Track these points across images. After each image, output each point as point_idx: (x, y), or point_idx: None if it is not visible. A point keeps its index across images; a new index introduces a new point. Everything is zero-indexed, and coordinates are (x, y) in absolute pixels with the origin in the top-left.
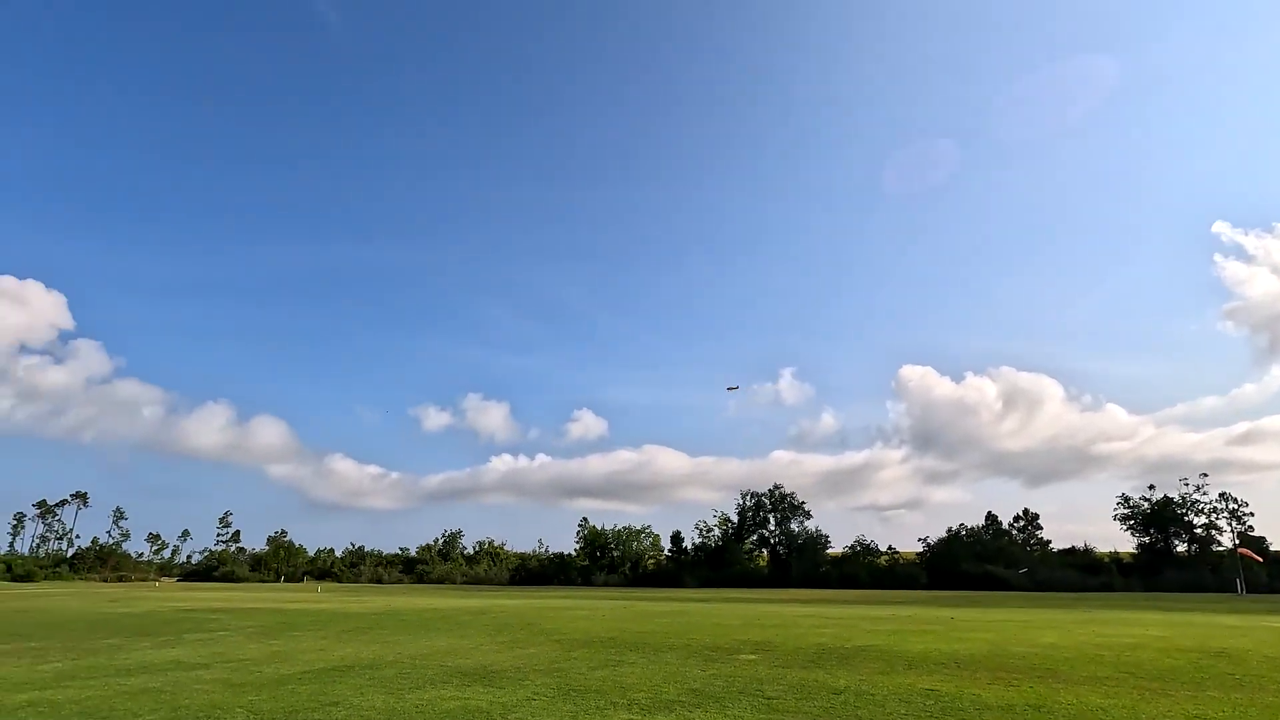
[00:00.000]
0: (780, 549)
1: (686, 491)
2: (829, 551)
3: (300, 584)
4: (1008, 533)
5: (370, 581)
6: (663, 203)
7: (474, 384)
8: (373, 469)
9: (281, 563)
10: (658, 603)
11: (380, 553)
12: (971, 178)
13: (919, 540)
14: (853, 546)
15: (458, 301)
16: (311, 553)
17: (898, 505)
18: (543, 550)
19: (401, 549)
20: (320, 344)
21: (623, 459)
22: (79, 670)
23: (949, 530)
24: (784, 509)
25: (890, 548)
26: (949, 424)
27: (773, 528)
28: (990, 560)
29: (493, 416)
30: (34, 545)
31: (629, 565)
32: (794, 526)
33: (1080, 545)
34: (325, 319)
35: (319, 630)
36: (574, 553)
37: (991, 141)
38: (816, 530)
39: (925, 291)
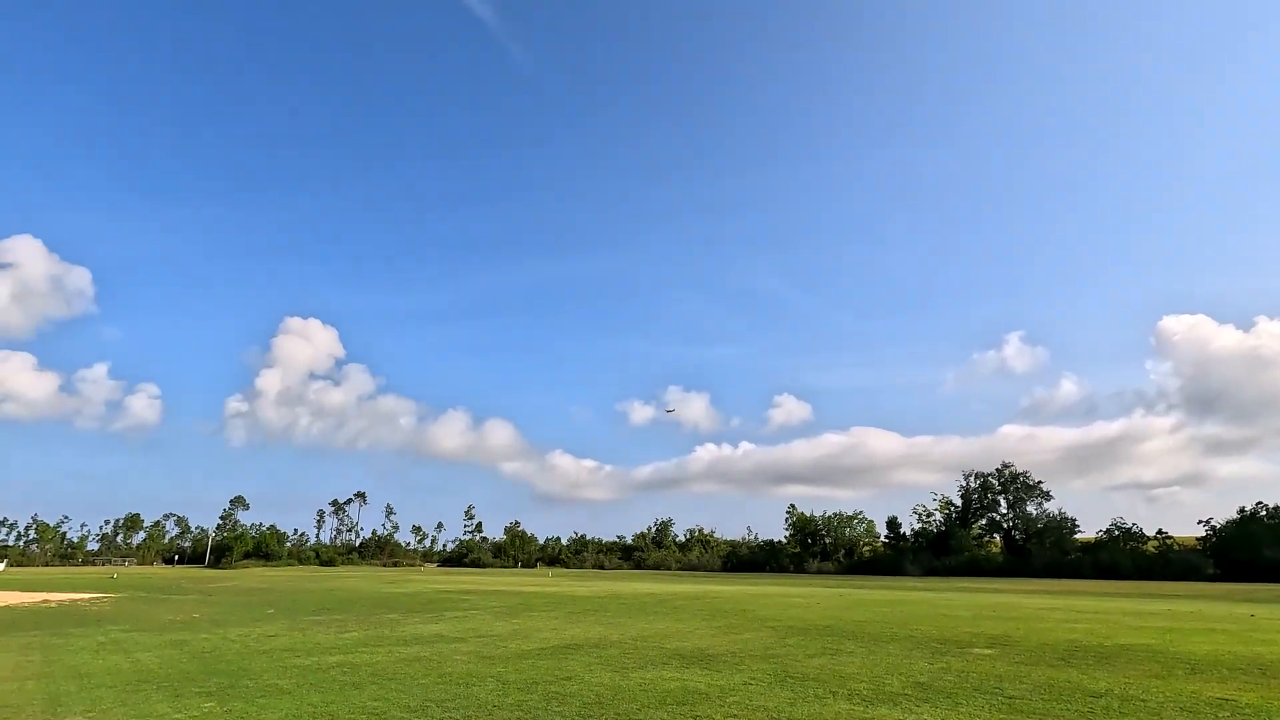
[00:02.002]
0: (1016, 534)
1: (901, 474)
2: (1078, 537)
3: (533, 569)
4: None
5: (593, 567)
6: (850, 174)
7: (675, 377)
8: (589, 463)
9: (517, 550)
10: (875, 591)
11: (600, 540)
12: None
13: (1199, 523)
14: (1109, 531)
15: (654, 299)
16: (541, 541)
17: (1168, 482)
18: (752, 537)
19: (619, 537)
20: (536, 352)
21: (830, 443)
22: (370, 639)
23: (1241, 510)
24: (1017, 490)
25: (1160, 532)
26: (1236, 382)
27: (1005, 511)
28: None
29: (694, 407)
30: (332, 536)
31: (842, 552)
32: (1031, 509)
33: None
34: (539, 330)
35: (551, 611)
36: (784, 540)
37: None
38: (1060, 513)
39: (1188, 225)
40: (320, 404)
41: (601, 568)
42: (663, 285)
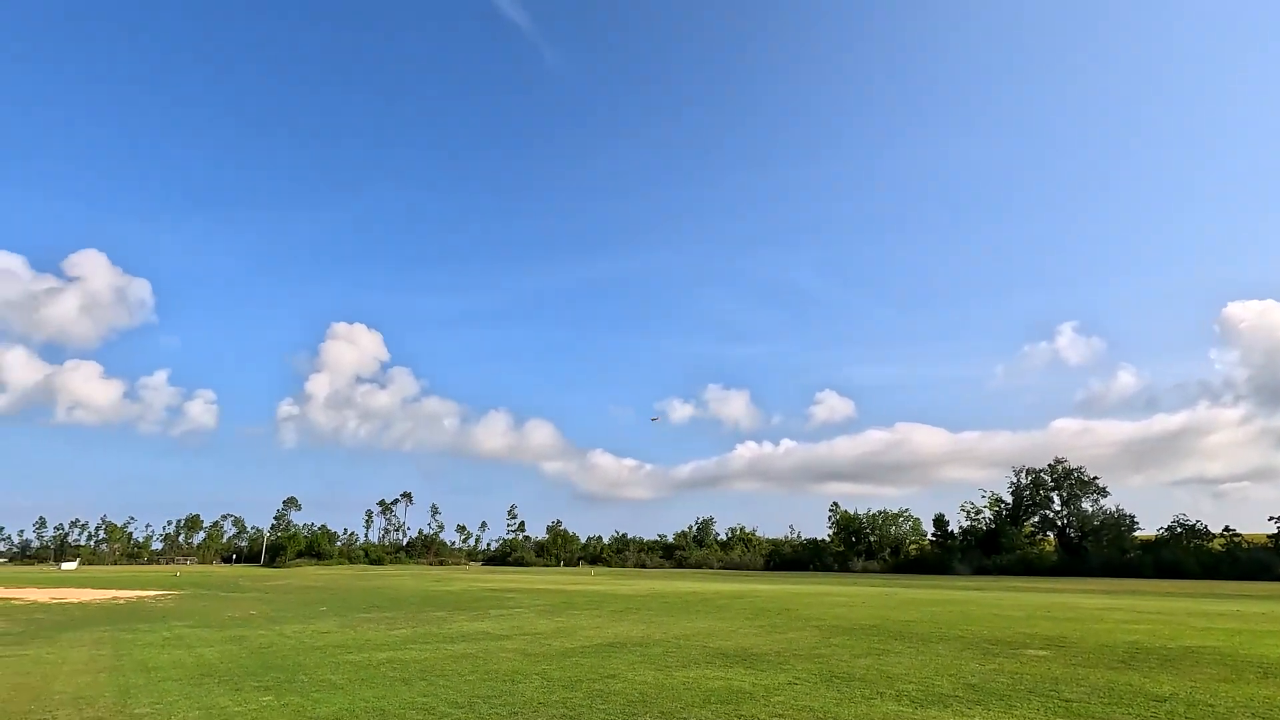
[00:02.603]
0: (1071, 532)
1: (948, 471)
2: (1137, 534)
3: (575, 568)
4: None
5: (634, 566)
6: (885, 165)
7: (713, 375)
8: (629, 462)
9: (559, 548)
10: (923, 590)
11: (642, 539)
12: None
13: (1270, 519)
14: (1171, 528)
15: (691, 297)
16: (583, 540)
17: (1236, 477)
18: (794, 536)
19: (660, 535)
20: (575, 352)
21: (873, 439)
22: (418, 636)
23: None
24: (1070, 486)
25: (1227, 529)
26: None
27: (1058, 507)
28: None
29: (734, 405)
30: (380, 535)
31: (888, 551)
32: (1086, 506)
33: None
34: (577, 330)
35: (594, 609)
36: (828, 538)
37: None
38: (1118, 510)
39: (1253, 205)
40: (367, 406)
41: (643, 566)
42: (700, 283)
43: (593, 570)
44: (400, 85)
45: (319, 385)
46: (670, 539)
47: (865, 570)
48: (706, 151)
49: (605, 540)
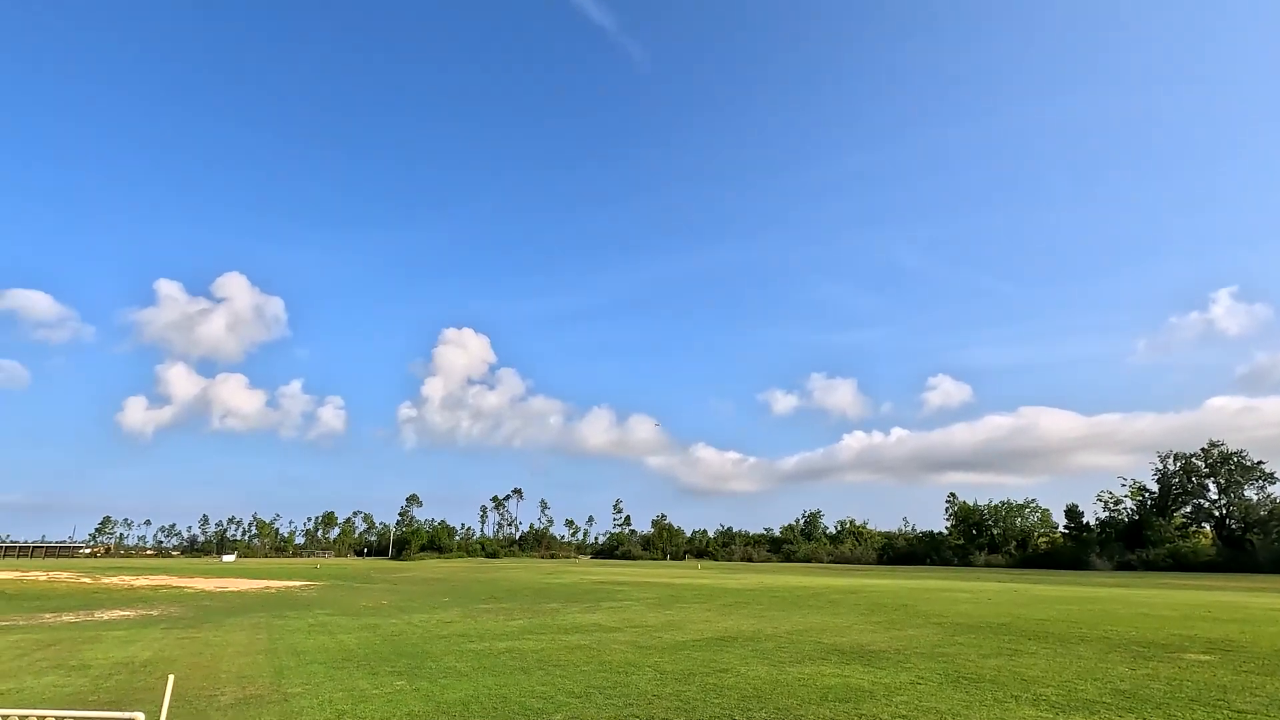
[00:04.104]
0: (1231, 523)
1: (1081, 457)
2: None
3: (681, 561)
4: None
5: (741, 560)
6: (1001, 132)
7: (817, 363)
8: (732, 455)
9: (665, 542)
10: (1056, 586)
11: (748, 533)
12: None
13: None
14: None
15: (790, 285)
16: (688, 533)
17: None
18: (909, 529)
19: (766, 529)
20: (674, 347)
21: (995, 425)
22: (534, 627)
23: None
24: (1230, 472)
25: None
26: None
27: (1215, 496)
28: None
29: (840, 394)
30: (495, 530)
31: (1013, 544)
32: (1250, 494)
33: None
34: (676, 325)
35: (703, 603)
36: (945, 531)
37: None
38: None
39: None
40: (478, 407)
41: (749, 560)
42: (798, 270)
43: (699, 564)
44: (494, 98)
45: (434, 388)
46: (777, 532)
47: (988, 564)
48: (799, 137)
49: (710, 534)
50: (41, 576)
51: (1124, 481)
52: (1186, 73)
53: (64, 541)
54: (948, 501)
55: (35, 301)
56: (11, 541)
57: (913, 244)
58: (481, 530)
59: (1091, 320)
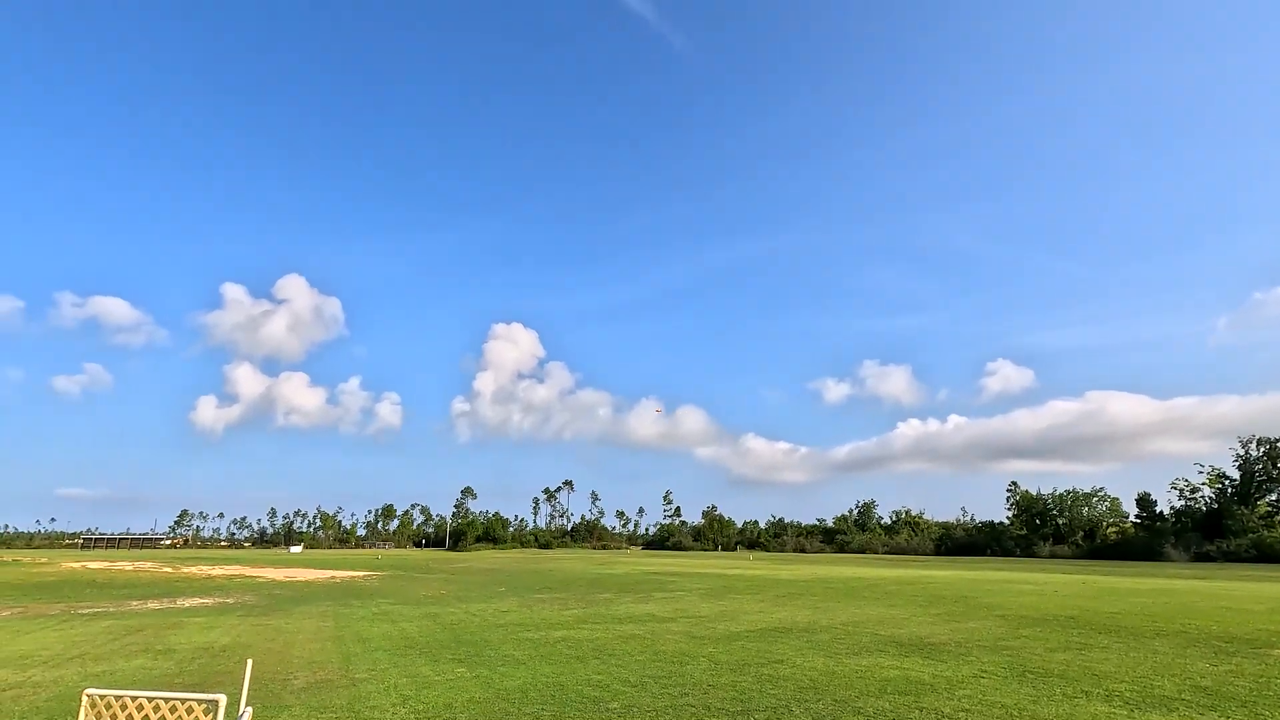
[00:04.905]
0: None
1: (1154, 443)
2: None
3: (733, 552)
4: None
5: (793, 550)
6: (1064, 105)
7: (869, 350)
8: (782, 445)
9: (715, 533)
10: (1128, 578)
11: (799, 524)
12: None
13: None
14: None
15: (839, 272)
16: (739, 524)
17: None
18: (968, 519)
19: (818, 520)
20: (721, 337)
21: (1059, 411)
22: (588, 616)
23: None
24: None
25: None
26: None
27: None
28: None
29: (895, 381)
30: (547, 521)
31: (1080, 534)
32: None
33: None
34: (722, 315)
35: (756, 594)
36: (1006, 521)
37: None
38: None
39: None
40: (528, 400)
41: (802, 551)
42: (848, 256)
43: (750, 555)
44: (539, 92)
45: (485, 383)
46: (830, 523)
47: (1053, 556)
48: (845, 121)
49: (761, 525)
50: (128, 566)
51: (1201, 468)
52: (1265, 26)
53: (146, 534)
54: (1009, 490)
55: (114, 308)
56: (100, 534)
57: (968, 224)
58: (534, 521)
59: (1166, 298)
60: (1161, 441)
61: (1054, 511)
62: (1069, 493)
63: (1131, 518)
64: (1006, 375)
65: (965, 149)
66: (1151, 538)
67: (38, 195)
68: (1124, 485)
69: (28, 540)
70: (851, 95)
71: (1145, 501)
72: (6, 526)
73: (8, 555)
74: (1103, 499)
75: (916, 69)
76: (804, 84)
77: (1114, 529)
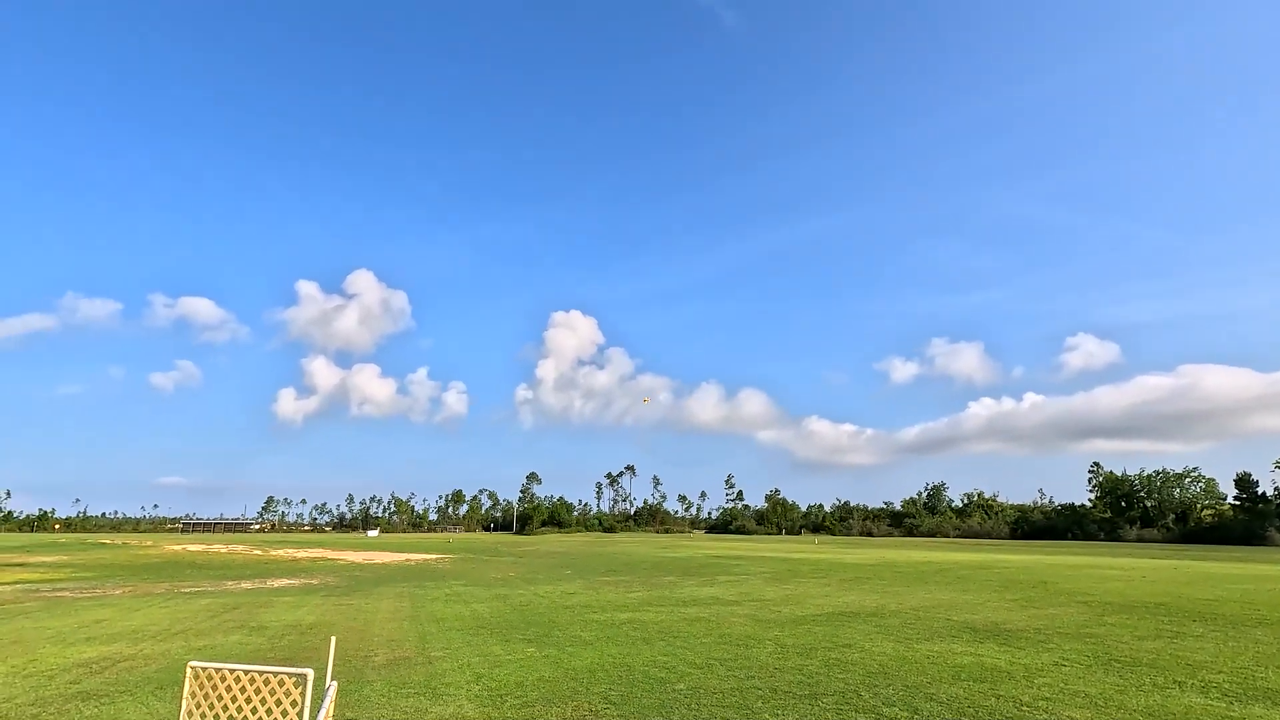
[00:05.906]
0: None
1: (1255, 420)
2: None
3: (797, 536)
4: None
5: (860, 534)
6: (1142, 63)
7: (938, 328)
8: (848, 427)
9: (779, 517)
10: (1225, 563)
11: (866, 507)
12: None
13: None
14: None
15: (904, 249)
16: (803, 508)
17: None
18: (1045, 501)
19: (886, 503)
20: (782, 319)
21: (1148, 387)
22: (652, 599)
23: None
24: None
25: None
26: None
27: None
28: None
29: (965, 359)
30: (610, 505)
31: (1171, 517)
32: None
33: None
34: (782, 297)
35: (821, 578)
36: (1089, 503)
37: None
38: None
39: None
40: (589, 387)
41: (869, 534)
42: (909, 232)
43: (815, 539)
44: (591, 82)
45: (546, 370)
46: (898, 506)
47: (1141, 540)
48: (897, 97)
49: (826, 508)
50: (223, 549)
51: None
52: None
53: (238, 519)
54: (1091, 471)
55: (201, 307)
56: (197, 519)
57: (1039, 195)
58: (597, 506)
59: (1268, 265)
60: (1265, 418)
61: (1141, 493)
62: (1158, 473)
63: (1230, 499)
64: (1089, 351)
65: (1033, 119)
66: (1252, 520)
67: (131, 199)
68: (1221, 465)
69: (134, 525)
70: (904, 69)
71: (1245, 482)
72: (115, 512)
73: (118, 539)
74: (1196, 479)
75: (970, 37)
76: (853, 60)
77: (1210, 511)
